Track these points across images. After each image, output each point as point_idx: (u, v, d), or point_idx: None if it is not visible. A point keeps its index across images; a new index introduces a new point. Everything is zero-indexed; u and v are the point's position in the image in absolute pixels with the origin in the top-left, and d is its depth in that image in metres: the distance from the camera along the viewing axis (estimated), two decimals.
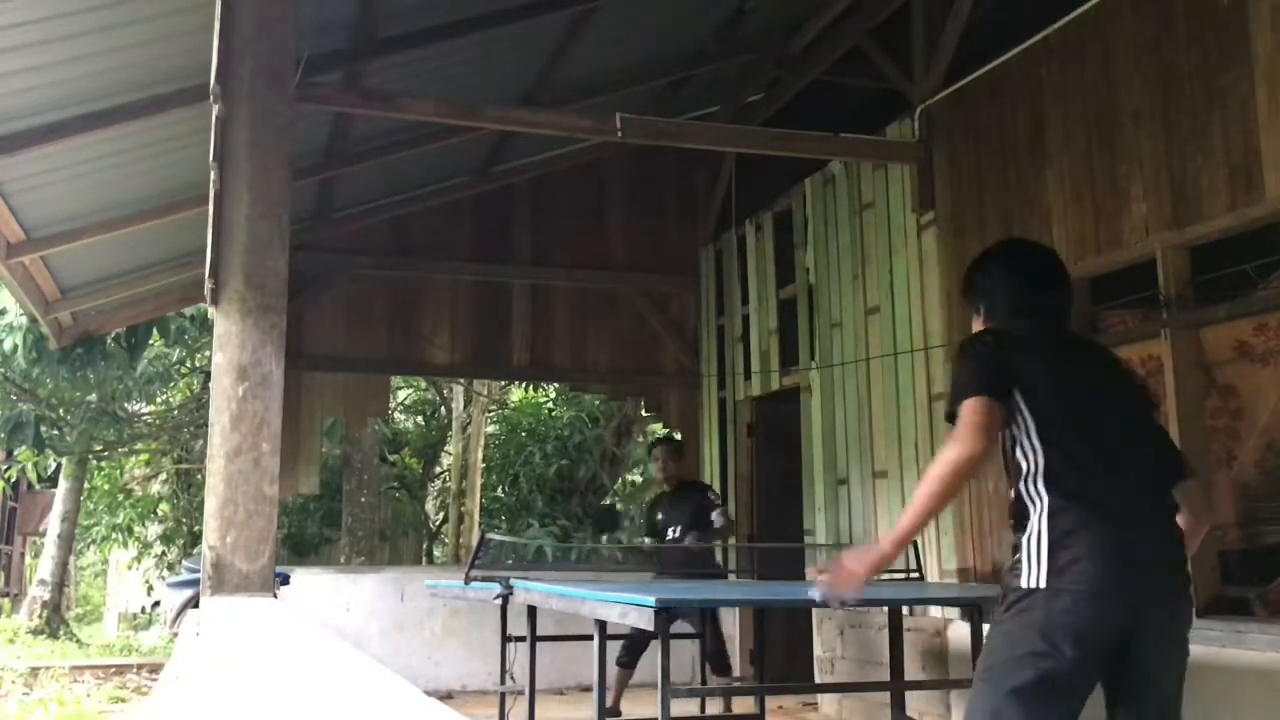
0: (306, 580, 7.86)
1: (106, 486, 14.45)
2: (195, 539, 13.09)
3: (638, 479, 15.59)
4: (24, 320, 9.07)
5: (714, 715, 6.20)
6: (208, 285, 3.61)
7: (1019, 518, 2.59)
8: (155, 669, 9.36)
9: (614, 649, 6.31)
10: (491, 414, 15.65)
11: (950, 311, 5.78)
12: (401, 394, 16.06)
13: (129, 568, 15.47)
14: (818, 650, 6.92)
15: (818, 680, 6.86)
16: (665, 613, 3.56)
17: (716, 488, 8.48)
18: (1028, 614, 2.45)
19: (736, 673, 7.29)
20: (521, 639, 5.58)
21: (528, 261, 8.70)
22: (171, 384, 12.93)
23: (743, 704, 6.05)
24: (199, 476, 13.18)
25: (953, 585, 5.54)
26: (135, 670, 9.64)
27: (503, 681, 6.04)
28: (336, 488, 13.04)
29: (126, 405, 12.62)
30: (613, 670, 6.69)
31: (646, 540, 7.17)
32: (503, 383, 14.66)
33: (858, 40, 6.65)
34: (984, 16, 5.86)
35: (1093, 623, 2.40)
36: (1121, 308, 4.88)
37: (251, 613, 2.93)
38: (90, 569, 21.66)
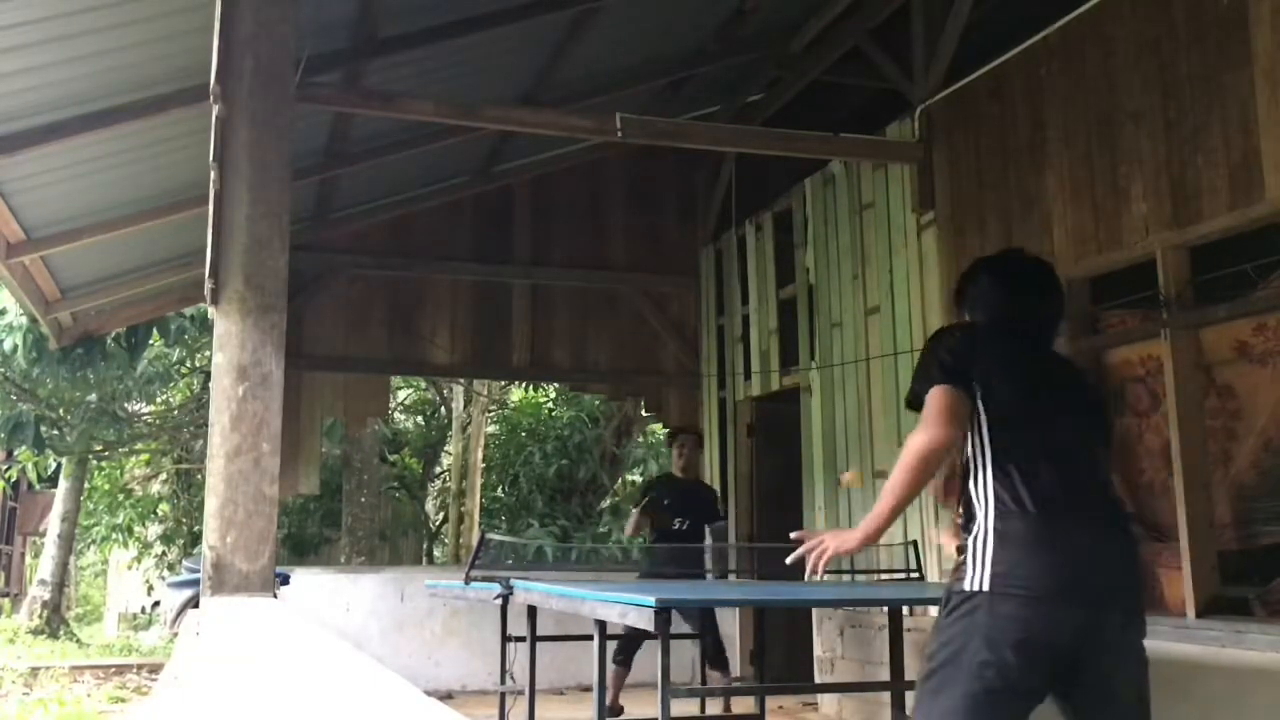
0: (306, 580, 7.86)
1: (106, 486, 14.46)
2: (195, 539, 13.10)
3: (638, 479, 15.59)
4: (24, 320, 9.07)
5: (714, 715, 6.20)
6: (208, 285, 3.61)
7: (967, 518, 2.55)
8: (155, 669, 9.36)
9: (609, 647, 6.29)
10: (491, 414, 15.65)
11: (950, 311, 5.78)
12: (401, 394, 16.06)
13: (129, 568, 15.48)
14: (818, 650, 6.92)
15: (818, 680, 6.86)
16: (665, 613, 3.56)
17: (717, 488, 8.49)
18: (971, 618, 2.39)
19: (736, 672, 7.30)
20: (521, 639, 5.57)
21: (528, 261, 8.70)
22: (171, 384, 12.93)
23: (743, 704, 6.04)
24: (199, 476, 13.18)
25: None
26: (135, 670, 9.64)
27: (503, 681, 6.04)
28: (336, 488, 13.05)
29: (126, 405, 12.62)
30: (609, 668, 6.69)
31: (634, 513, 7.02)
32: (503, 383, 14.66)
33: (858, 40, 6.65)
34: (984, 16, 5.86)
35: (1040, 629, 2.34)
36: (1121, 308, 4.88)
37: (251, 613, 2.93)
38: (90, 569, 21.66)
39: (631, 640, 6.37)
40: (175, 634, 8.83)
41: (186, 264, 7.16)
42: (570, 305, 8.85)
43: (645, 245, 9.00)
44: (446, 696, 7.46)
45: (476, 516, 14.11)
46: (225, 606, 3.10)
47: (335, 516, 13.54)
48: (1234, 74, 4.17)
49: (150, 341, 10.18)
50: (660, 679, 3.65)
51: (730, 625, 8.01)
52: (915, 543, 5.65)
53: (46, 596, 13.93)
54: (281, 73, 3.63)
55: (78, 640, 13.55)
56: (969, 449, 2.59)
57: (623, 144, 6.09)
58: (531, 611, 5.35)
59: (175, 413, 13.53)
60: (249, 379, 3.40)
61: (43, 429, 10.83)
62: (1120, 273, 4.81)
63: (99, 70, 4.68)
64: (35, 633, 13.32)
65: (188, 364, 12.76)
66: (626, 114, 5.58)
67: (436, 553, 15.88)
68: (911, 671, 5.45)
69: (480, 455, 14.61)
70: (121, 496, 14.24)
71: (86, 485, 14.43)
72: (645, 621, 3.60)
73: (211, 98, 3.58)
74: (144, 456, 14.17)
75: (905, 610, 5.50)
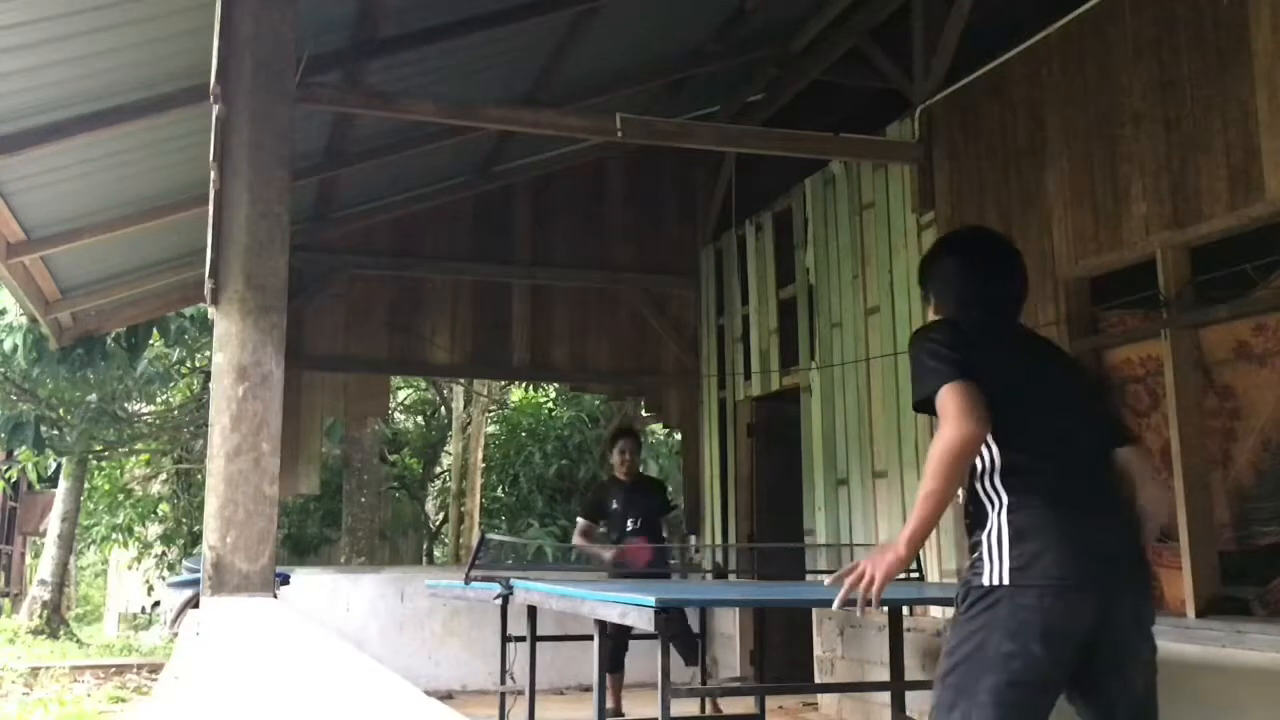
0: (306, 580, 7.86)
1: (106, 486, 14.46)
2: (195, 539, 13.09)
3: None
4: (24, 320, 9.08)
5: (714, 715, 6.20)
6: (208, 285, 3.61)
7: (976, 516, 2.54)
8: (155, 669, 9.37)
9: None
10: (491, 414, 15.65)
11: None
12: (401, 394, 16.06)
13: (129, 568, 15.48)
14: (818, 650, 6.92)
15: (818, 680, 6.86)
16: (665, 612, 3.56)
17: (717, 488, 8.50)
18: (992, 612, 2.38)
19: (734, 671, 7.30)
20: (521, 639, 5.58)
21: (528, 261, 8.70)
22: (171, 384, 12.93)
23: (743, 704, 6.04)
24: (199, 476, 13.18)
25: (953, 585, 5.52)
26: (135, 670, 9.65)
27: (503, 681, 6.05)
28: (336, 488, 13.05)
29: (126, 405, 12.62)
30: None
31: (580, 521, 7.12)
32: (503, 383, 14.66)
33: (858, 40, 6.65)
34: (984, 16, 5.86)
35: (1061, 618, 2.34)
36: (1121, 308, 4.88)
37: (251, 613, 2.93)
38: (90, 569, 21.67)
39: (618, 646, 6.37)
40: (175, 634, 8.82)
41: (186, 264, 7.16)
42: (570, 305, 8.84)
43: (645, 245, 8.99)
44: (446, 696, 7.46)
45: (476, 516, 14.11)
46: (225, 606, 3.10)
47: (335, 516, 13.54)
48: (1234, 74, 4.17)
49: (150, 341, 10.18)
50: (660, 679, 3.66)
51: (730, 625, 8.02)
52: None
53: (47, 596, 13.94)
54: (281, 73, 3.63)
55: (78, 640, 13.55)
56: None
57: (623, 144, 6.10)
58: (531, 611, 5.35)
59: (175, 413, 13.53)
60: (249, 379, 3.40)
61: (43, 429, 10.83)
62: (1120, 273, 4.81)
63: (99, 70, 4.67)
64: (35, 633, 13.33)
65: (188, 364, 12.75)
66: (626, 114, 5.58)
67: (436, 553, 15.89)
68: (912, 672, 5.45)
69: (480, 455, 14.61)
70: (121, 496, 14.24)
71: (86, 485, 14.43)
72: (645, 622, 3.60)
73: (211, 98, 3.58)
74: (144, 456, 14.17)
75: (905, 610, 5.49)
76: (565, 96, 6.89)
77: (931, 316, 2.88)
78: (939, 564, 5.73)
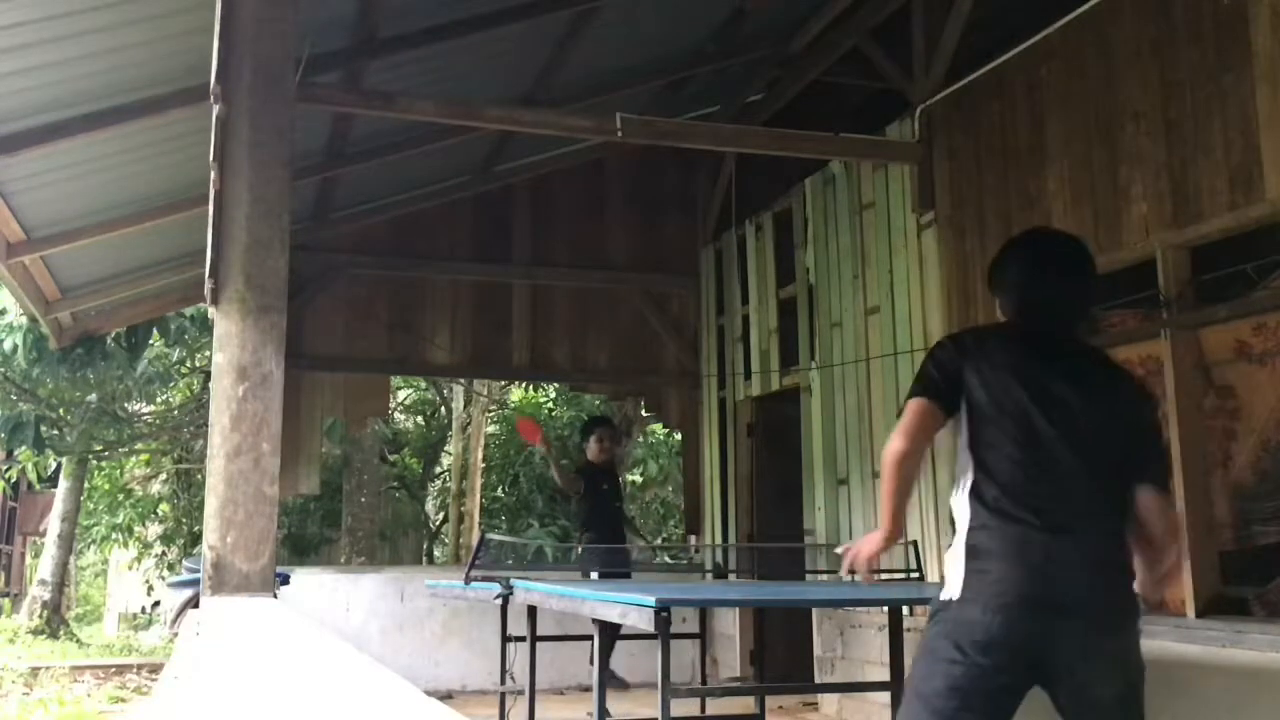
0: (306, 580, 7.86)
1: (106, 486, 14.45)
2: (195, 539, 13.09)
3: (638, 479, 15.59)
4: (24, 320, 9.07)
5: (714, 715, 6.20)
6: (208, 285, 3.61)
7: (953, 529, 2.64)
8: (155, 669, 9.36)
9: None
10: (491, 414, 15.65)
11: (950, 311, 5.78)
12: (401, 394, 16.05)
13: (129, 568, 15.48)
14: (818, 650, 6.92)
15: (818, 680, 6.86)
16: (666, 612, 3.56)
17: (717, 488, 8.51)
18: (943, 624, 2.50)
19: (735, 671, 7.29)
20: (521, 639, 5.58)
21: (528, 261, 8.70)
22: (171, 384, 12.92)
23: (743, 704, 6.04)
24: (199, 476, 13.18)
25: None
26: (135, 670, 9.64)
27: (503, 681, 6.04)
28: (336, 488, 13.04)
29: (126, 405, 12.62)
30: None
31: (574, 475, 7.33)
32: (503, 383, 14.66)
33: (858, 40, 6.65)
34: (984, 16, 5.86)
35: (999, 631, 2.42)
36: (1121, 308, 4.88)
37: (251, 613, 2.93)
38: (90, 569, 21.66)
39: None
40: (175, 634, 8.82)
41: (186, 264, 7.16)
42: (570, 305, 8.84)
43: (645, 245, 8.99)
44: (446, 696, 7.46)
45: (476, 516, 14.11)
46: (225, 606, 3.10)
47: (335, 516, 13.54)
48: (1234, 74, 4.17)
49: (150, 341, 10.17)
50: (660, 679, 3.66)
51: (730, 625, 8.02)
52: (915, 543, 5.65)
53: (46, 596, 13.93)
54: (281, 73, 3.62)
55: (78, 640, 13.55)
56: (957, 462, 2.63)
57: (623, 144, 6.09)
58: (531, 611, 5.35)
59: (175, 413, 13.53)
60: (249, 379, 3.40)
61: (43, 429, 10.82)
62: (1120, 273, 4.81)
63: (99, 70, 4.67)
64: (35, 633, 13.33)
65: (188, 364, 12.75)
66: (626, 114, 5.58)
67: (436, 553, 15.88)
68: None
69: (480, 455, 14.60)
70: (121, 496, 14.24)
71: (86, 485, 14.43)
72: (645, 622, 3.60)
73: (211, 98, 3.58)
74: (144, 456, 14.16)
75: (905, 610, 5.49)
76: (565, 96, 6.89)
77: (999, 317, 2.85)
78: (939, 565, 5.73)
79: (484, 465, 14.69)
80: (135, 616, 16.59)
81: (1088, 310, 2.83)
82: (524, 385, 15.03)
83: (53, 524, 14.45)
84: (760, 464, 8.19)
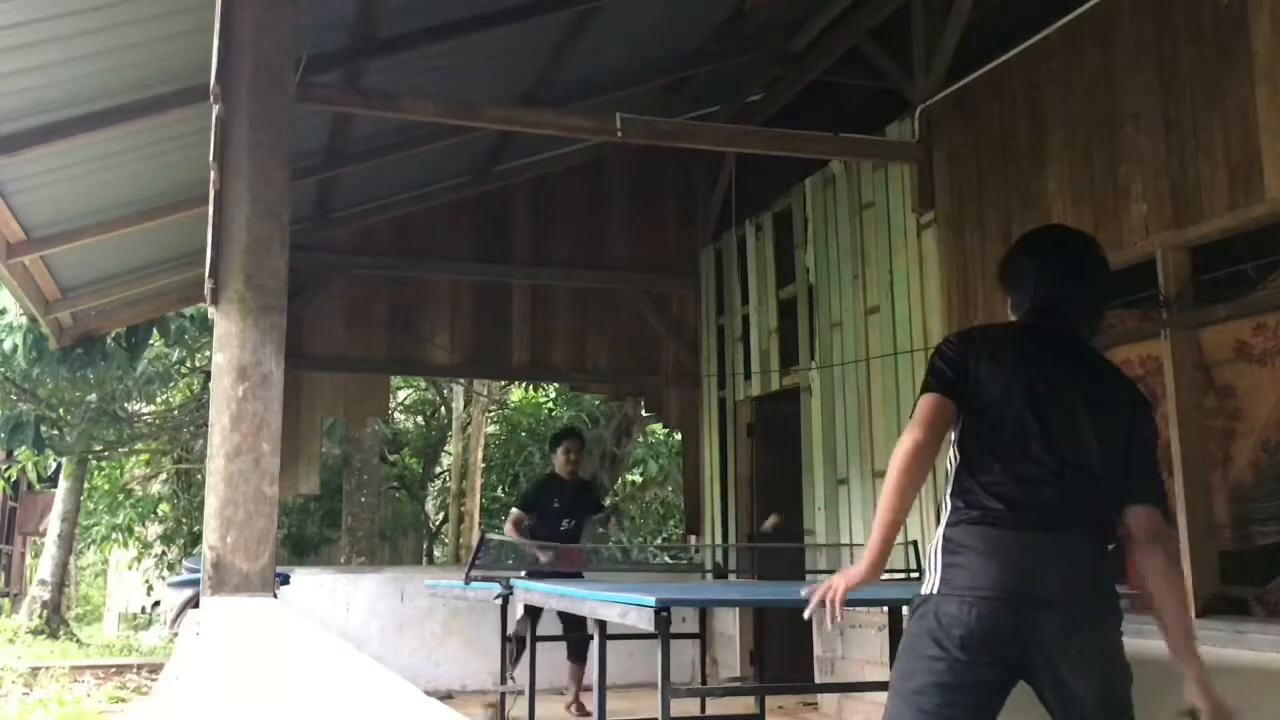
0: (306, 580, 7.86)
1: (106, 486, 14.45)
2: (195, 539, 13.09)
3: (638, 479, 15.60)
4: (24, 320, 9.07)
5: (714, 715, 6.20)
6: (208, 285, 3.61)
7: (938, 525, 2.63)
8: (155, 669, 9.36)
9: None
10: (491, 414, 15.65)
11: (950, 311, 5.78)
12: (401, 394, 16.05)
13: (129, 568, 15.47)
14: (818, 650, 6.92)
15: (818, 680, 6.86)
16: (666, 612, 3.56)
17: (717, 488, 8.50)
18: (923, 620, 2.50)
19: (734, 671, 7.29)
20: (521, 639, 5.58)
21: (528, 261, 8.70)
22: (171, 384, 12.92)
23: (743, 704, 6.04)
24: (199, 476, 13.18)
25: None
26: (135, 670, 9.64)
27: (503, 681, 6.05)
28: (336, 488, 13.04)
29: (126, 405, 12.61)
30: (567, 665, 6.74)
31: (514, 511, 7.22)
32: (503, 383, 14.66)
33: (858, 40, 6.65)
34: (984, 16, 5.86)
35: (977, 625, 2.41)
36: (1121, 308, 4.88)
37: (251, 613, 2.93)
38: (90, 569, 21.65)
39: (582, 637, 6.41)
40: (175, 634, 8.82)
41: (186, 264, 7.16)
42: (570, 305, 8.84)
43: (645, 245, 8.99)
44: (446, 696, 7.46)
45: (476, 516, 14.12)
46: (225, 606, 3.10)
47: (335, 516, 13.54)
48: (1234, 74, 4.17)
49: (150, 341, 10.18)
50: (660, 679, 3.66)
51: (730, 625, 8.02)
52: (915, 543, 5.65)
53: (46, 596, 13.93)
54: (281, 73, 3.62)
55: (78, 640, 13.55)
56: (947, 458, 2.63)
57: (623, 144, 6.09)
58: (531, 611, 5.35)
59: (175, 413, 13.52)
60: (249, 379, 3.40)
61: (43, 429, 10.82)
62: (1120, 273, 4.79)
63: (99, 70, 4.67)
64: (35, 633, 13.33)
65: (188, 364, 12.74)
66: (626, 114, 5.58)
67: (436, 553, 15.89)
68: None
69: (480, 455, 14.61)
70: (121, 496, 14.23)
71: (86, 485, 14.43)
72: (645, 621, 3.60)
73: (211, 98, 3.58)
74: (144, 456, 14.16)
75: (905, 610, 5.49)
76: (565, 96, 6.89)
77: (1009, 316, 2.82)
78: None
79: (484, 465, 14.70)
80: (135, 616, 16.59)
81: (1100, 312, 2.76)
82: (524, 385, 15.03)
83: (53, 524, 14.45)
84: (760, 464, 8.19)
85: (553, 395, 14.95)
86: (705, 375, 8.85)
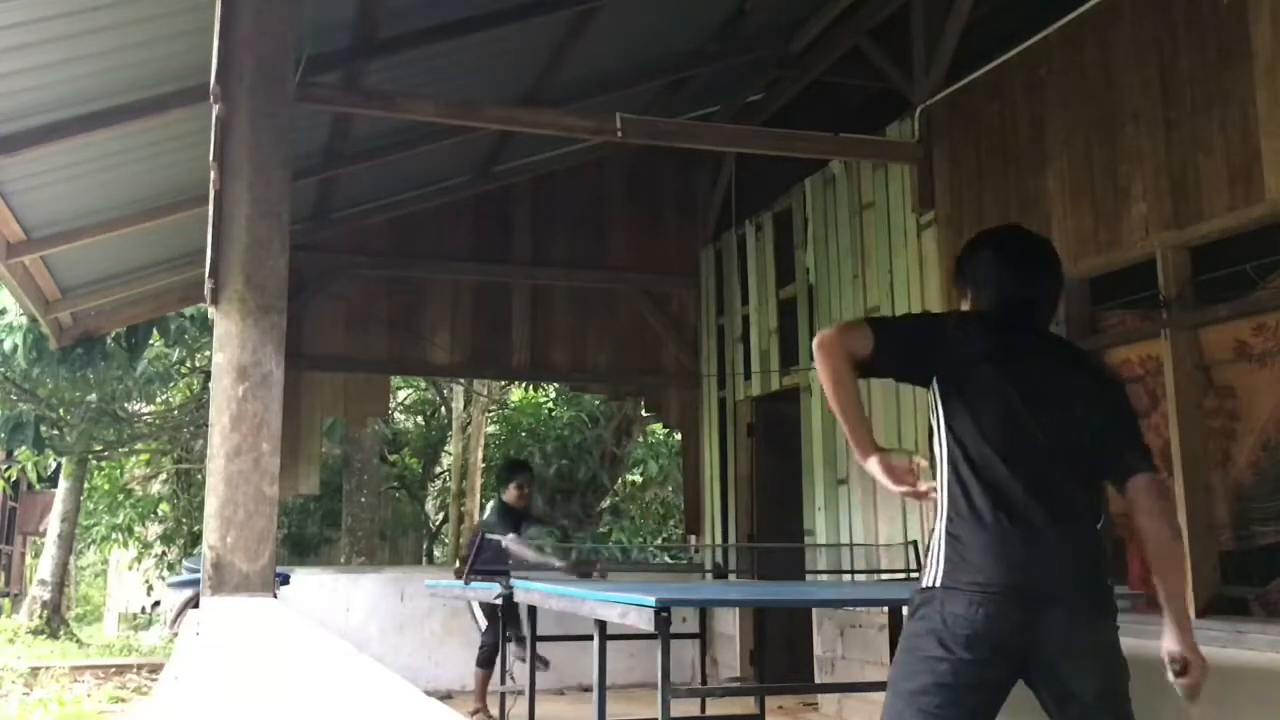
0: (306, 580, 7.86)
1: (106, 486, 14.45)
2: (195, 539, 13.09)
3: (638, 479, 15.59)
4: (24, 320, 9.07)
5: (714, 715, 6.20)
6: (208, 285, 3.61)
7: (935, 515, 2.61)
8: (155, 669, 9.36)
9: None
10: (491, 414, 15.64)
11: (949, 298, 5.77)
12: (401, 394, 16.05)
13: (129, 568, 15.48)
14: (818, 650, 6.92)
15: (818, 680, 6.86)
16: (666, 612, 3.56)
17: (717, 488, 8.50)
18: (926, 618, 2.48)
19: (734, 671, 7.28)
20: (522, 639, 5.57)
21: (527, 261, 8.70)
22: (171, 384, 12.92)
23: (743, 704, 6.05)
24: (199, 476, 13.18)
25: None
26: (135, 670, 9.64)
27: (503, 681, 6.05)
28: (336, 488, 13.04)
29: (126, 405, 12.61)
30: (473, 670, 6.71)
31: (512, 535, 7.14)
32: (503, 383, 14.66)
33: (858, 40, 6.65)
34: (984, 16, 5.86)
35: (985, 623, 2.40)
36: (1121, 308, 4.88)
37: (251, 613, 2.92)
38: (90, 569, 21.65)
39: (494, 643, 6.37)
40: (175, 634, 8.83)
41: (186, 264, 7.16)
42: (570, 305, 8.84)
43: (645, 245, 9.00)
44: (446, 696, 7.46)
45: (476, 516, 14.11)
46: (225, 606, 3.10)
47: (335, 516, 13.54)
48: (1234, 74, 4.17)
49: (150, 341, 10.17)
50: (660, 679, 3.66)
51: (730, 625, 8.02)
52: (915, 543, 5.65)
53: (46, 596, 13.93)
54: (281, 73, 3.62)
55: (78, 640, 13.54)
56: (933, 445, 2.64)
57: (623, 144, 6.09)
58: (531, 611, 5.35)
59: (175, 413, 13.52)
60: (249, 379, 3.40)
61: (43, 429, 10.82)
62: (1120, 273, 4.81)
63: (99, 70, 4.67)
64: (35, 633, 13.32)
65: (188, 364, 12.74)
66: (626, 114, 5.58)
67: (436, 553, 15.89)
68: None
69: (480, 455, 14.60)
70: (121, 496, 14.23)
71: (86, 485, 14.42)
72: (645, 622, 3.60)
73: (211, 98, 3.58)
74: (144, 456, 14.16)
75: (905, 610, 5.49)
76: (565, 96, 6.89)
77: (964, 308, 2.86)
78: None
79: (484, 465, 14.69)
80: (135, 616, 16.59)
81: (1055, 305, 2.87)
82: (524, 385, 15.03)
83: (53, 524, 14.44)
84: (760, 464, 8.19)
85: (553, 395, 14.95)
86: (705, 375, 8.85)
